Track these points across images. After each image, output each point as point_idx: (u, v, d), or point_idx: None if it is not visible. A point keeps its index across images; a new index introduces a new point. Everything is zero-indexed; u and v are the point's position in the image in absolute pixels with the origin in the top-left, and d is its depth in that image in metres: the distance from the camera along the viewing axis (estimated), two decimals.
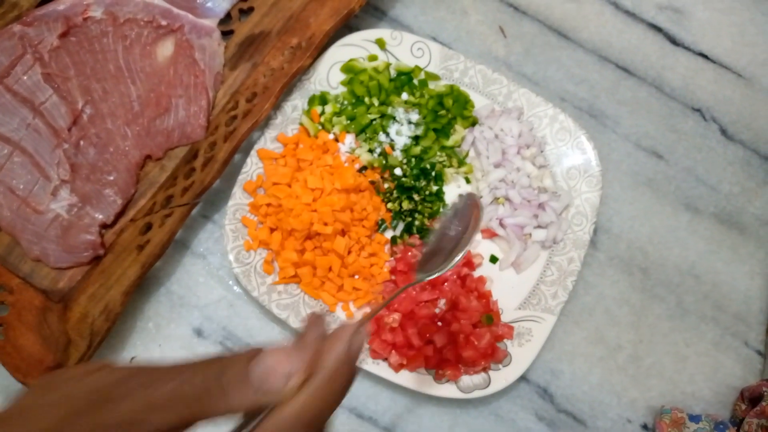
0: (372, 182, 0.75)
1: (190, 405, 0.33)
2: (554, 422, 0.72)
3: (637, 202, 0.81)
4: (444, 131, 0.78)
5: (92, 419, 0.32)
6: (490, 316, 0.70)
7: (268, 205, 0.72)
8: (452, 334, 0.69)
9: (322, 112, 0.77)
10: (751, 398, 0.72)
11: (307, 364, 0.34)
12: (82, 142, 0.73)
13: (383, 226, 0.75)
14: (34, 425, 0.32)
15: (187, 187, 0.72)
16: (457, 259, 0.54)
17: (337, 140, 0.76)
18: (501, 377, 0.69)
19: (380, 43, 0.79)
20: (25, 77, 0.73)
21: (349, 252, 0.72)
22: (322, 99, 0.77)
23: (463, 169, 0.78)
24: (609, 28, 0.88)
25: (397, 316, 0.69)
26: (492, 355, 0.68)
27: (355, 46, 0.79)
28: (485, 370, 0.69)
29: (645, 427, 0.73)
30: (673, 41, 0.88)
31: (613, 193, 0.81)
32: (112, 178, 0.73)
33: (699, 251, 0.80)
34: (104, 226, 0.72)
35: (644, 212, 0.81)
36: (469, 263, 0.73)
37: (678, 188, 0.82)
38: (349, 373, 0.36)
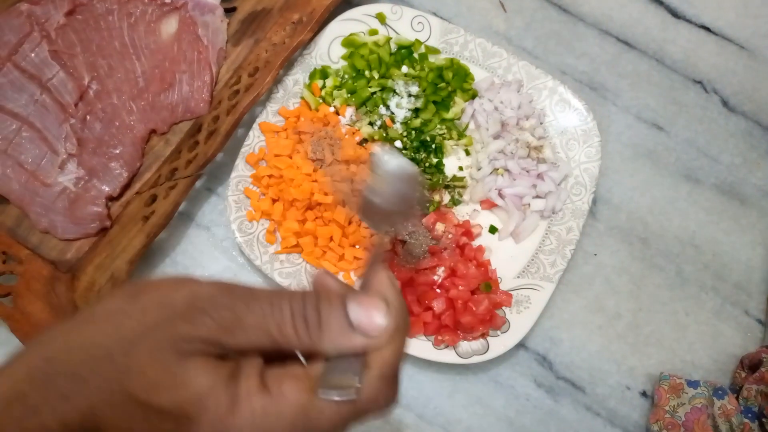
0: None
1: (283, 334, 0.33)
2: (553, 389, 0.73)
3: (638, 173, 0.81)
4: (444, 104, 0.78)
5: (187, 328, 0.32)
6: (488, 283, 0.71)
7: (270, 176, 0.73)
8: (450, 300, 0.69)
9: (323, 86, 0.78)
10: (750, 365, 0.73)
11: (390, 308, 0.35)
12: (88, 117, 0.75)
13: None
14: (124, 328, 0.32)
15: (191, 159, 0.73)
16: None
17: (337, 113, 0.77)
18: (499, 343, 0.70)
19: (380, 18, 0.80)
20: (32, 54, 0.75)
21: (350, 222, 0.73)
22: (323, 73, 0.78)
23: (463, 141, 0.78)
24: (610, 2, 0.88)
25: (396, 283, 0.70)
26: (490, 321, 0.69)
27: (356, 21, 0.80)
28: (483, 336, 0.70)
29: (644, 394, 0.74)
30: (675, 14, 0.88)
31: (613, 164, 0.81)
32: (117, 151, 0.75)
33: (699, 221, 0.80)
34: (110, 199, 0.74)
35: (644, 183, 0.81)
36: (468, 233, 0.74)
37: (678, 159, 0.82)
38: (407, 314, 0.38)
